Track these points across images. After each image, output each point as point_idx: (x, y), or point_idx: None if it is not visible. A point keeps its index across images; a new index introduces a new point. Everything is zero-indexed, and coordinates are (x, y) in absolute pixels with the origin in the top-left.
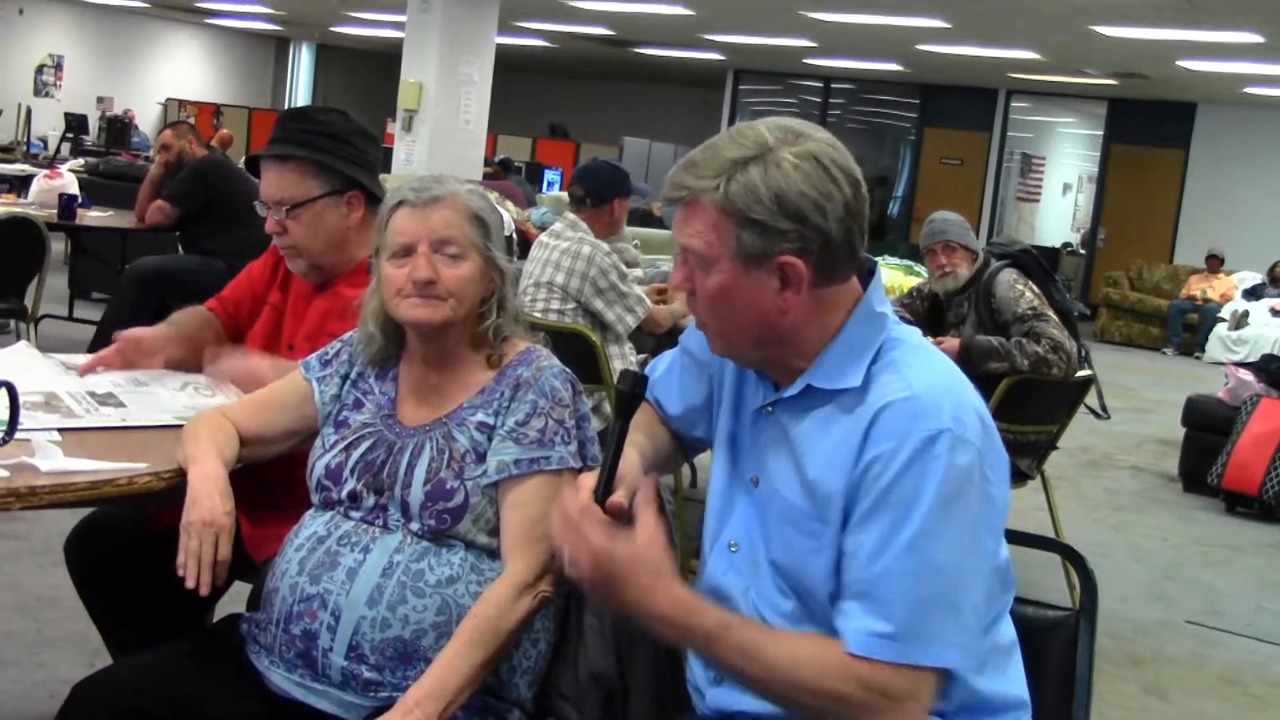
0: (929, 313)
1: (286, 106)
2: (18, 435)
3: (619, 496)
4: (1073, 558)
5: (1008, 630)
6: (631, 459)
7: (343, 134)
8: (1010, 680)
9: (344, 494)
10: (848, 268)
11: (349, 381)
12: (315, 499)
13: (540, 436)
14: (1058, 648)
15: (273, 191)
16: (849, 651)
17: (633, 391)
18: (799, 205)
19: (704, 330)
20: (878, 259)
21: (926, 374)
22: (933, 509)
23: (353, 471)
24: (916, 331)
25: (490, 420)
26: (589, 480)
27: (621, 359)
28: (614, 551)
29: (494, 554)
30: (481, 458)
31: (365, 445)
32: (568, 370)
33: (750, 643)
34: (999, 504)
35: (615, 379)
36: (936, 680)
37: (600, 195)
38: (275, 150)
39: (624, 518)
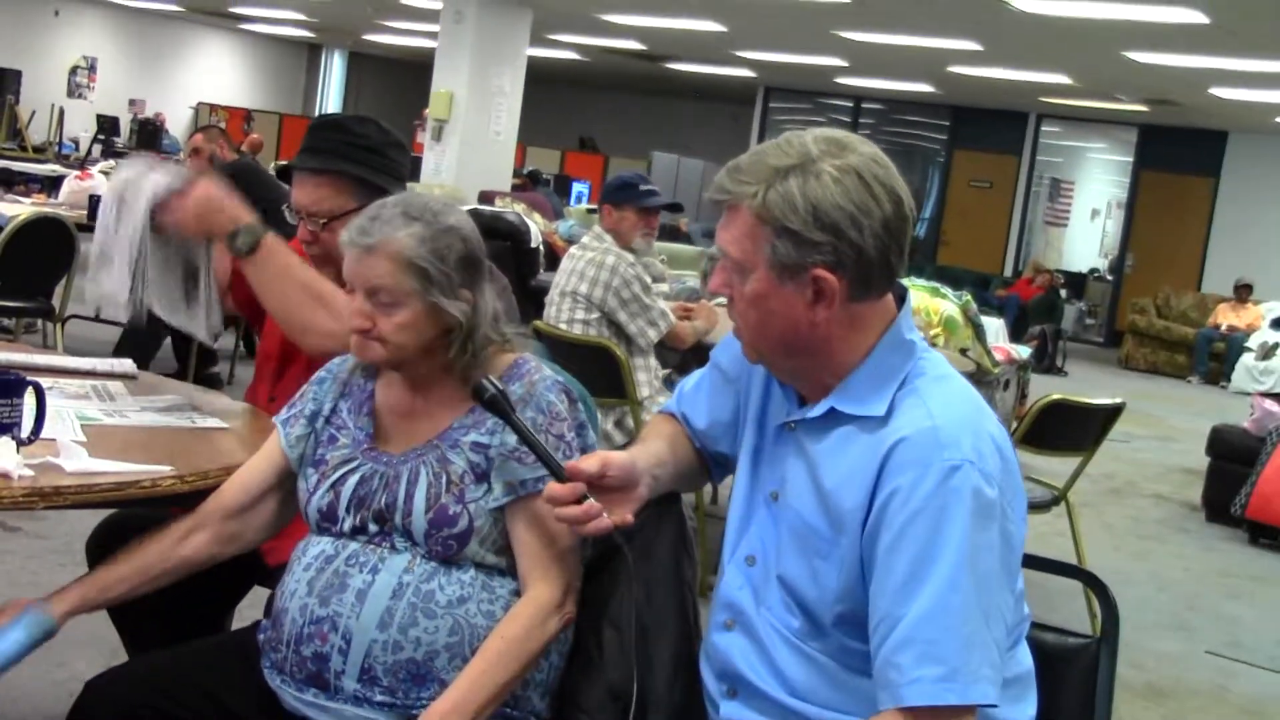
0: None
1: (318, 113)
2: (43, 435)
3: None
4: (1095, 585)
5: (1024, 658)
6: (624, 456)
7: (378, 147)
8: (1025, 707)
9: (346, 529)
10: (882, 285)
11: (320, 419)
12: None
13: None
14: (1078, 675)
15: (308, 202)
16: (908, 706)
17: (491, 396)
18: (835, 218)
19: (738, 336)
20: (903, 280)
21: (947, 404)
22: (962, 543)
23: (348, 509)
24: (943, 359)
25: (485, 440)
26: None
27: (646, 372)
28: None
29: (504, 572)
30: (480, 478)
31: (354, 480)
32: (560, 379)
33: None
34: (1016, 541)
35: (635, 391)
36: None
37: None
38: (313, 162)
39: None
